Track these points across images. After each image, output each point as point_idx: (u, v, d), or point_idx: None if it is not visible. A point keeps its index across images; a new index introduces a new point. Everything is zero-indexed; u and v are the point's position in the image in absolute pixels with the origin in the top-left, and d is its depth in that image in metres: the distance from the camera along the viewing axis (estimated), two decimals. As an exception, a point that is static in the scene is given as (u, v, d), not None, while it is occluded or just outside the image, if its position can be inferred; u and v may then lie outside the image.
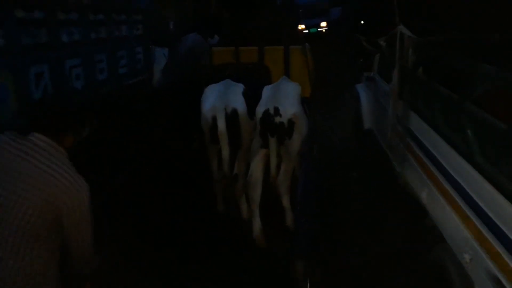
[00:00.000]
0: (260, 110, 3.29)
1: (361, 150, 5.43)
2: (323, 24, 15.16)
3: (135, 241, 3.17)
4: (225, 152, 3.31)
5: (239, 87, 3.53)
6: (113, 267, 2.66)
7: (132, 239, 3.18)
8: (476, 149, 2.57)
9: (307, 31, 14.19)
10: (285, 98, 3.36)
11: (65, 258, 1.82)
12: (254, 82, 3.70)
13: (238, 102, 3.39)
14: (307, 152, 3.43)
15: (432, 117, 3.35)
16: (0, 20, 3.51)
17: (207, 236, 3.33)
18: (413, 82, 3.80)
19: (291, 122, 3.26)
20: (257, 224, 3.33)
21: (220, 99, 3.38)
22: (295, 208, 3.37)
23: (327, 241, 3.39)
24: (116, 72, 4.94)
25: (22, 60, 3.72)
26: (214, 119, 3.32)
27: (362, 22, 10.32)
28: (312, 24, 14.63)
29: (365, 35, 6.37)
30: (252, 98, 3.44)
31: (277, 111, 3.23)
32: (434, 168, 3.09)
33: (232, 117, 3.31)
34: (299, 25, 13.73)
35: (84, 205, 1.76)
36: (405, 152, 3.79)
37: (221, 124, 3.28)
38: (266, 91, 3.47)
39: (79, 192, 1.75)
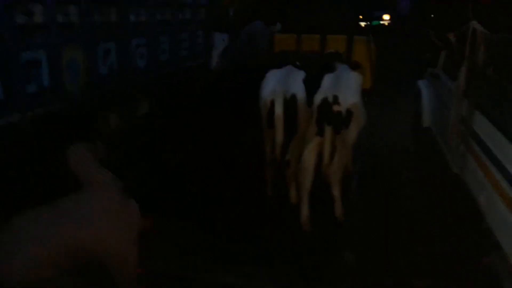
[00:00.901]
0: (318, 97, 3.33)
1: (418, 148, 5.34)
2: (386, 17, 14.78)
3: (190, 218, 3.34)
4: (280, 136, 3.38)
5: (300, 74, 3.58)
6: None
7: (183, 218, 3.35)
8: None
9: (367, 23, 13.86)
10: (345, 87, 3.38)
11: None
12: (316, 69, 3.73)
13: (298, 88, 3.44)
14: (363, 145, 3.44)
15: (499, 118, 3.26)
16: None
17: (256, 219, 3.45)
18: (482, 81, 3.69)
19: (349, 112, 3.28)
20: (305, 210, 3.41)
21: (280, 84, 3.46)
22: (345, 200, 3.41)
23: (375, 237, 3.41)
24: (178, 54, 5.16)
25: (92, 37, 4.00)
26: (273, 103, 3.40)
27: (432, 15, 9.97)
28: (374, 17, 14.30)
29: (435, 29, 6.19)
30: (313, 85, 3.47)
31: (336, 99, 3.26)
32: (496, 171, 3.02)
33: (290, 102, 3.37)
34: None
35: (123, 241, 1.85)
36: (465, 153, 3.71)
37: (279, 109, 3.36)
38: (327, 79, 3.50)
39: (116, 236, 1.84)
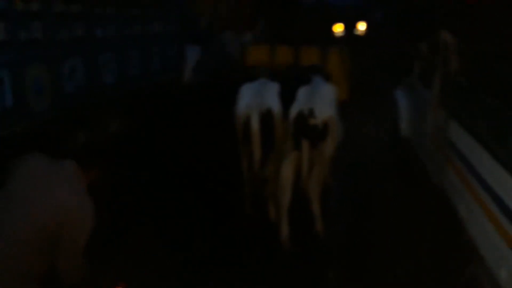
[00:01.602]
0: (294, 110, 3.35)
1: (397, 158, 5.43)
2: (362, 27, 14.93)
3: (160, 240, 3.30)
4: (257, 152, 3.38)
5: (275, 87, 3.60)
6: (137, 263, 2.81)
7: (157, 238, 3.31)
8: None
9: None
10: (321, 99, 3.41)
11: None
12: (290, 82, 3.76)
13: (273, 102, 3.45)
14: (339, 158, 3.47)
15: (474, 127, 3.35)
16: (40, 13, 3.76)
17: (234, 238, 3.43)
18: (455, 90, 3.80)
19: (325, 124, 3.31)
20: (284, 228, 3.41)
21: (254, 98, 3.47)
22: (325, 215, 3.43)
23: (356, 252, 3.43)
24: (149, 69, 5.14)
25: (57, 53, 3.95)
26: (248, 118, 3.40)
27: (406, 25, 10.24)
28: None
29: (407, 39, 6.36)
30: (288, 98, 3.49)
31: (311, 112, 3.28)
32: (474, 181, 3.10)
33: (266, 117, 3.38)
34: (339, 25, 13.72)
35: (85, 225, 1.94)
36: (444, 162, 3.79)
37: (255, 124, 3.36)
38: (302, 91, 3.53)
39: (83, 213, 1.93)
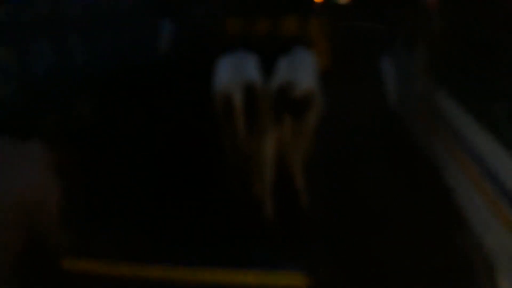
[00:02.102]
0: (274, 83, 3.28)
1: (385, 129, 5.42)
2: None
3: (142, 220, 3.28)
4: (241, 129, 3.31)
5: (254, 58, 3.50)
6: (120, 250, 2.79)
7: (139, 221, 3.29)
8: (506, 126, 2.57)
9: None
10: (302, 71, 3.35)
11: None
12: (268, 52, 3.68)
13: (255, 75, 3.36)
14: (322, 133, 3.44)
15: (460, 92, 3.34)
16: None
17: (219, 216, 3.42)
18: (439, 54, 3.78)
19: (306, 96, 3.26)
20: (269, 204, 3.39)
21: (235, 72, 3.36)
22: (310, 190, 3.42)
23: (342, 226, 3.44)
24: (120, 46, 5.02)
25: (23, 35, 3.82)
26: (230, 93, 3.30)
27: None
28: None
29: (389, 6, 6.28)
30: (267, 70, 3.41)
31: (292, 84, 3.22)
32: (460, 147, 3.11)
33: (249, 92, 3.29)
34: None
35: (53, 204, 2.18)
36: (431, 131, 3.80)
37: (238, 99, 3.27)
38: (282, 63, 3.45)
39: (50, 196, 2.16)
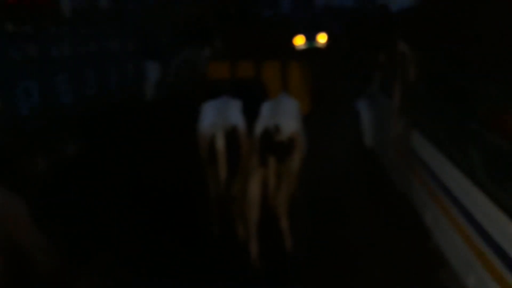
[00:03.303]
0: (259, 127, 3.32)
1: (362, 169, 5.49)
2: (322, 39, 15.04)
3: (125, 264, 3.19)
4: (223, 171, 3.32)
5: (237, 104, 3.58)
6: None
7: (122, 263, 3.20)
8: (480, 168, 2.63)
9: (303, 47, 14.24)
10: (285, 115, 3.40)
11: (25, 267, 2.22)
12: (251, 98, 3.75)
13: (237, 119, 3.42)
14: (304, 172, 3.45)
15: (434, 135, 3.42)
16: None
17: (203, 259, 3.35)
18: (415, 98, 3.88)
19: (291, 140, 3.30)
20: (254, 246, 3.35)
21: (219, 116, 3.42)
22: (293, 229, 3.40)
23: (325, 266, 3.41)
24: (106, 87, 5.02)
25: (10, 75, 3.79)
26: (213, 137, 3.33)
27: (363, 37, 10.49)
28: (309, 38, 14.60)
29: (366, 50, 6.49)
30: (249, 115, 3.48)
31: (277, 128, 3.26)
32: (437, 189, 3.15)
33: (231, 135, 3.34)
34: (300, 37, 13.88)
35: (23, 216, 2.20)
36: (408, 171, 3.85)
37: (220, 143, 3.30)
38: (266, 107, 3.52)
39: (17, 208, 2.19)
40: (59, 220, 2.92)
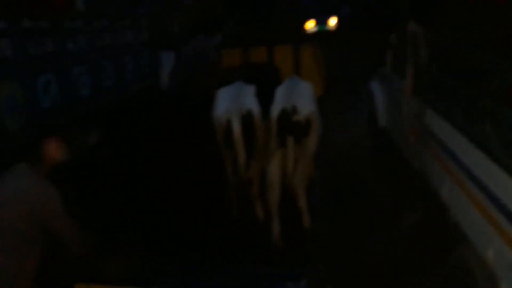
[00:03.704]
0: (276, 109, 3.35)
1: (377, 148, 5.49)
2: (333, 21, 14.95)
3: (150, 247, 3.26)
4: (241, 156, 3.36)
5: (251, 89, 3.61)
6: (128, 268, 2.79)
7: (147, 245, 3.28)
8: (495, 142, 2.63)
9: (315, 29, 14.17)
10: (301, 96, 3.43)
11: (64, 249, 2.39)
12: (264, 82, 3.77)
13: (252, 104, 3.45)
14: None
15: (448, 112, 3.41)
16: (8, 29, 3.68)
17: (223, 242, 3.41)
18: (427, 78, 3.87)
19: (308, 120, 3.33)
20: (276, 226, 3.40)
21: (233, 102, 3.46)
22: (312, 209, 3.44)
23: (345, 243, 3.45)
24: (123, 78, 5.09)
25: (29, 70, 3.87)
26: (229, 122, 3.37)
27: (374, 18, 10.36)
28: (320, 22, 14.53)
29: (377, 32, 6.44)
30: (264, 99, 3.50)
31: (294, 109, 3.29)
32: (453, 165, 3.16)
33: (247, 119, 3.37)
34: (311, 21, 13.79)
35: (57, 206, 2.34)
36: (423, 149, 3.85)
37: (236, 128, 3.34)
38: (280, 90, 3.54)
39: (51, 198, 2.33)
40: (86, 204, 3.00)
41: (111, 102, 4.69)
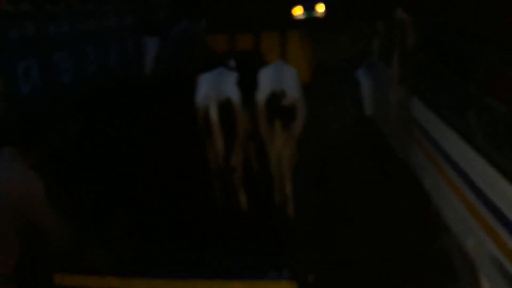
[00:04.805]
0: (264, 92, 3.31)
1: (363, 137, 5.48)
2: (320, 8, 14.82)
3: (132, 236, 3.23)
4: (219, 143, 3.33)
5: (233, 76, 3.55)
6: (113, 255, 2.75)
7: (129, 234, 3.24)
8: (479, 133, 2.62)
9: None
10: (288, 81, 3.40)
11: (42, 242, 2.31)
12: (250, 69, 3.71)
13: (232, 91, 3.40)
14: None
15: (434, 101, 3.40)
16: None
17: (206, 230, 3.39)
18: (414, 66, 3.84)
19: (294, 105, 3.30)
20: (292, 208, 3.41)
21: (213, 88, 3.40)
22: (295, 197, 3.42)
23: (328, 232, 3.44)
24: (106, 64, 4.98)
25: (9, 55, 3.76)
26: (207, 109, 3.33)
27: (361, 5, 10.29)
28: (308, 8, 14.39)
29: (364, 19, 6.39)
30: (249, 86, 3.45)
31: (284, 93, 3.25)
32: (437, 154, 3.15)
33: (225, 107, 3.33)
34: (298, 7, 13.67)
35: (40, 200, 2.23)
36: (408, 137, 3.84)
37: (214, 115, 3.30)
38: (266, 73, 3.48)
39: (35, 191, 2.22)
40: (69, 194, 2.94)
41: (94, 88, 4.60)
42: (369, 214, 3.63)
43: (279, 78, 3.40)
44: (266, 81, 3.40)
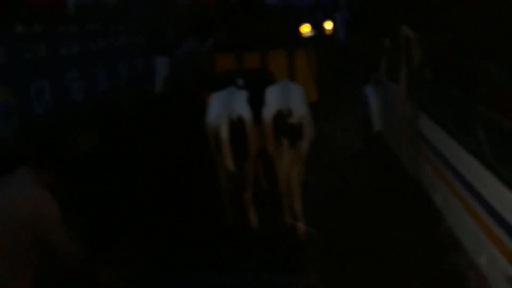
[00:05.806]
0: (271, 110, 3.33)
1: (372, 153, 5.47)
2: (328, 26, 14.92)
3: (144, 253, 3.24)
4: (229, 161, 3.33)
5: (243, 93, 3.58)
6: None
7: (141, 251, 3.25)
8: (488, 148, 2.61)
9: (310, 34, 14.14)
10: (294, 99, 3.43)
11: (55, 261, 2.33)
12: (258, 88, 3.75)
13: (243, 109, 3.43)
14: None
15: (441, 117, 3.39)
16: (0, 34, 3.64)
17: (217, 248, 3.38)
18: (421, 82, 3.85)
19: (301, 124, 3.32)
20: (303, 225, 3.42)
21: (224, 107, 3.43)
22: (306, 214, 3.43)
23: (339, 248, 3.43)
24: (117, 83, 5.05)
25: (22, 75, 3.83)
26: (218, 128, 3.35)
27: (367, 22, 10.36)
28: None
29: (371, 36, 6.43)
30: (256, 104, 3.48)
31: (290, 112, 3.28)
32: (446, 170, 3.14)
33: (237, 125, 3.35)
34: (306, 25, 13.80)
35: (54, 219, 2.26)
36: (417, 154, 3.83)
37: (224, 133, 3.31)
38: (272, 91, 3.52)
39: (49, 211, 2.25)
40: (81, 211, 2.97)
41: (104, 107, 4.66)
42: (379, 230, 3.61)
43: (286, 97, 3.43)
44: (273, 99, 3.44)
